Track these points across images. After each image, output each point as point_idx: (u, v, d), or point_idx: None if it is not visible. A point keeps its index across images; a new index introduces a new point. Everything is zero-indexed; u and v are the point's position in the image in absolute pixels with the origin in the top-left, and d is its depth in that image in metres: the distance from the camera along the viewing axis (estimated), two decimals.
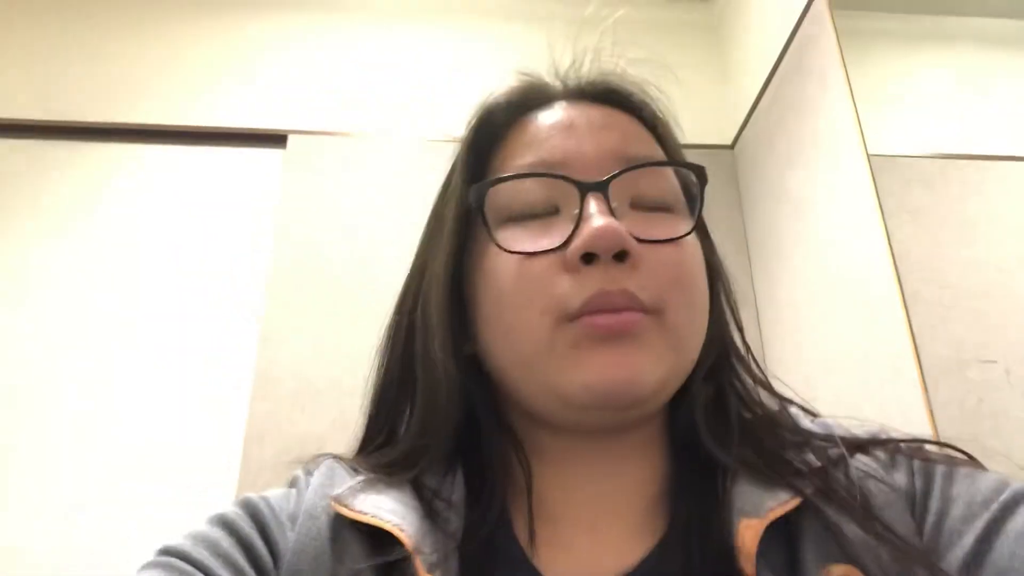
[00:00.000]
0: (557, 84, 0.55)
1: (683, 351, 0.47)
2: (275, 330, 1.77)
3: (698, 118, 2.15)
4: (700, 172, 0.50)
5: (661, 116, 0.54)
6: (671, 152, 0.53)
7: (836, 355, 1.49)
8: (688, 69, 2.24)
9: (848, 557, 0.42)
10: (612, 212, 0.45)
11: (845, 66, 1.50)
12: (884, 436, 0.50)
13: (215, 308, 1.82)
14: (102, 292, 1.82)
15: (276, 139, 1.99)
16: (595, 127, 0.50)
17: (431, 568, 0.42)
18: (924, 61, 1.43)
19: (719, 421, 0.50)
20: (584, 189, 0.46)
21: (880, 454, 0.48)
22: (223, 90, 2.07)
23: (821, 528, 0.43)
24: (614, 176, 0.47)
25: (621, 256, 0.44)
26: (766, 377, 0.53)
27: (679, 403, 0.50)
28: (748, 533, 0.42)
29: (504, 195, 0.48)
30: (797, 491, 0.44)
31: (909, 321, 1.25)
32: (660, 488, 0.50)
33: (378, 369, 0.56)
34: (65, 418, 1.68)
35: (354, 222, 1.89)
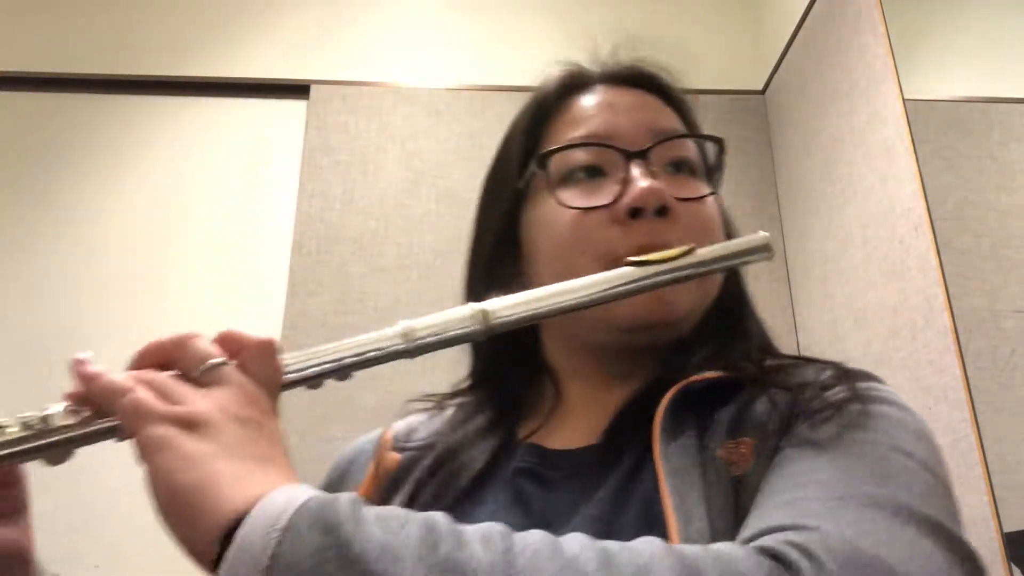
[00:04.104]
0: (596, 69, 0.64)
1: (706, 291, 0.57)
2: (301, 283, 1.78)
3: (728, 63, 2.10)
4: (720, 143, 0.61)
5: (682, 95, 0.64)
6: (690, 123, 0.63)
7: (866, 306, 1.47)
8: (718, 13, 2.18)
9: (750, 430, 0.48)
10: (652, 175, 0.55)
11: (882, 6, 1.45)
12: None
13: (242, 261, 1.84)
14: (131, 244, 1.84)
15: (299, 89, 1.98)
16: (631, 107, 0.60)
17: (400, 450, 0.59)
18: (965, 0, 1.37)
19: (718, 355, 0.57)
20: (629, 156, 0.56)
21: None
22: (245, 41, 2.06)
23: (740, 407, 0.50)
24: (654, 145, 0.56)
25: (662, 211, 0.53)
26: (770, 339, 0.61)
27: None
28: (665, 399, 0.50)
29: (562, 161, 0.58)
30: (724, 369, 0.53)
31: (942, 271, 1.23)
32: None
33: None
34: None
35: (377, 172, 1.88)
